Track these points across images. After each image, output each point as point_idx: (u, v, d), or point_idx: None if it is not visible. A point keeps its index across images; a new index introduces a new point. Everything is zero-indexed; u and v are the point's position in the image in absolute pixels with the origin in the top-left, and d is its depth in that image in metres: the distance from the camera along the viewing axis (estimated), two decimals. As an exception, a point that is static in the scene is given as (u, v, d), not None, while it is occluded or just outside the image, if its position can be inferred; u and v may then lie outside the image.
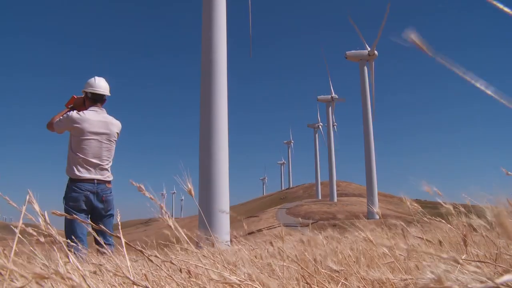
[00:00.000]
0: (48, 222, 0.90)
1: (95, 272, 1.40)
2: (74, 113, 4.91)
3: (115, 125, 5.09)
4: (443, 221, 1.56)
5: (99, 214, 4.79)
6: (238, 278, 0.88)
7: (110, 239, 4.68)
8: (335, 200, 52.81)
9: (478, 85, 0.74)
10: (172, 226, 1.47)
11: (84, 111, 4.96)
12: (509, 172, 1.19)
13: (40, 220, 0.86)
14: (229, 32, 12.16)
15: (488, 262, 1.09)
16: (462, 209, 1.41)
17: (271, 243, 1.96)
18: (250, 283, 0.85)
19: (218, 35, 11.85)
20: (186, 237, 1.49)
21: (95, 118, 4.94)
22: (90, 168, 4.82)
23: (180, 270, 1.12)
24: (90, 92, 5.07)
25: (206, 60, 11.80)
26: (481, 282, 0.64)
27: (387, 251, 1.31)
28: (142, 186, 1.55)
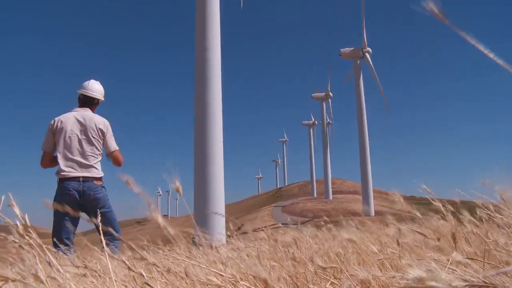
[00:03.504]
0: (29, 225, 0.88)
1: (84, 275, 1.38)
2: (50, 124, 4.92)
3: (97, 121, 4.95)
4: (435, 217, 1.56)
5: (91, 212, 4.71)
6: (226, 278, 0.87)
7: (113, 236, 4.66)
8: (331, 197, 52.94)
9: (491, 56, 0.75)
10: (162, 225, 1.45)
11: (60, 115, 4.96)
12: (487, 182, 1.19)
13: (18, 223, 0.85)
14: (223, 31, 12.13)
15: (477, 259, 1.09)
16: (449, 207, 1.41)
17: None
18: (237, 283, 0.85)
19: (212, 34, 11.82)
20: (176, 237, 1.47)
21: (71, 116, 4.91)
22: (74, 166, 4.75)
23: (165, 271, 1.11)
24: (81, 94, 5.06)
25: (200, 59, 11.78)
26: (465, 280, 0.63)
27: (376, 250, 1.31)
28: (131, 180, 1.49)
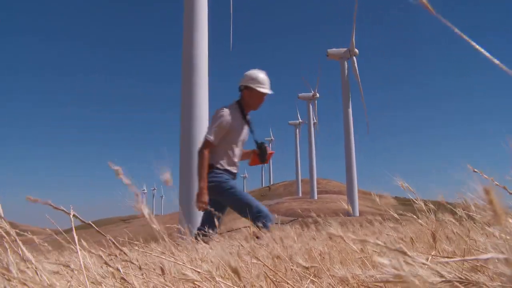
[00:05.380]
0: (2, 215, 0.86)
1: (57, 272, 1.36)
2: None
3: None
4: (414, 216, 1.57)
5: None
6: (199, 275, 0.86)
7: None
8: (316, 197, 53.12)
9: (476, 47, 0.75)
10: (147, 217, 1.44)
11: None
12: (475, 170, 1.20)
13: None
14: (211, 29, 12.11)
15: (456, 258, 1.09)
16: (431, 205, 1.42)
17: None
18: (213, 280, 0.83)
19: (200, 33, 11.78)
20: (162, 232, 1.46)
21: None
22: None
23: (140, 268, 1.10)
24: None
25: (186, 58, 11.73)
26: (441, 276, 0.63)
27: (356, 248, 1.31)
28: (120, 170, 1.49)
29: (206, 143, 4.87)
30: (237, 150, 5.06)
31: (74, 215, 0.95)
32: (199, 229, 4.61)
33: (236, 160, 5.06)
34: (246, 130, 5.12)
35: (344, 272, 0.94)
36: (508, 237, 0.92)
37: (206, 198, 4.71)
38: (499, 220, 0.55)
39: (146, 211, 1.39)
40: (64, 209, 0.91)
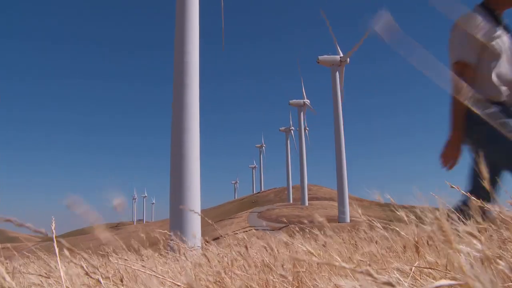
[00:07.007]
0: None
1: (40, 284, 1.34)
2: None
3: None
4: (397, 229, 1.58)
5: None
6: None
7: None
8: (307, 204, 53.14)
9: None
10: (102, 239, 1.42)
11: None
12: (453, 186, 1.21)
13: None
14: (202, 31, 12.11)
15: (438, 269, 1.10)
16: (412, 217, 1.44)
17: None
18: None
19: (191, 39, 11.79)
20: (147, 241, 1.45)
21: None
22: None
23: (122, 280, 1.09)
24: None
25: (178, 63, 11.72)
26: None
27: (340, 260, 1.31)
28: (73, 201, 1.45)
29: (458, 67, 3.26)
30: (503, 69, 3.35)
31: (36, 230, 0.92)
32: (461, 205, 2.91)
33: (503, 86, 3.32)
34: (506, 38, 3.39)
35: (325, 285, 0.94)
36: (485, 249, 0.93)
37: (455, 152, 3.27)
38: (450, 245, 0.55)
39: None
40: (31, 226, 0.89)
